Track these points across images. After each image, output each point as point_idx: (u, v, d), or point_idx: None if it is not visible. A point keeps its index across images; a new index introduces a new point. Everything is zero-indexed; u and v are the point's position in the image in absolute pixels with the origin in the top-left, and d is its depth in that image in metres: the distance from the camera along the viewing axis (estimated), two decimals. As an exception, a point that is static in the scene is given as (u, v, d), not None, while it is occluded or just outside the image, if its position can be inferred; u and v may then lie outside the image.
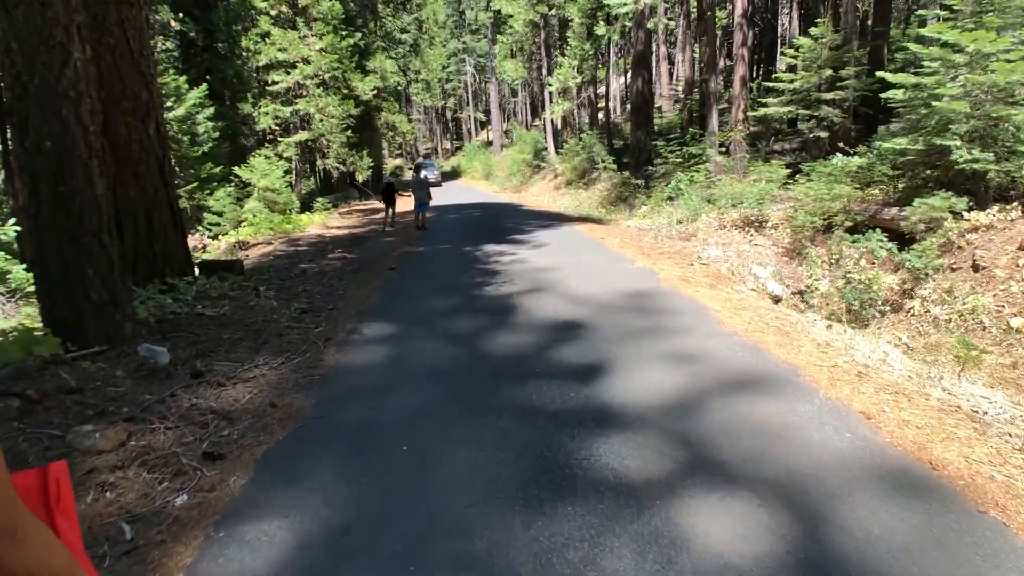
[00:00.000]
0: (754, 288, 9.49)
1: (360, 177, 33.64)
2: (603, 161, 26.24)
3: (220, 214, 18.17)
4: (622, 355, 5.80)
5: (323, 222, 23.33)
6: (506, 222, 18.91)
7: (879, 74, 10.81)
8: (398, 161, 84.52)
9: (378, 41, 43.42)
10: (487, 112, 72.43)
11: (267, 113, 24.07)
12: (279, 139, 24.72)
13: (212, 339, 6.70)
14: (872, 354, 5.70)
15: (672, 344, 6.08)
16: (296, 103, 24.43)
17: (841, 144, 13.43)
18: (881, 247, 9.12)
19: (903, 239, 9.25)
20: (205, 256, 16.94)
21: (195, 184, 19.47)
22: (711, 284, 8.96)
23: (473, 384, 5.36)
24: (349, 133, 30.85)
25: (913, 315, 8.09)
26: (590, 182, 27.55)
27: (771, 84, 13.78)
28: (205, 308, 8.17)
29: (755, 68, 31.91)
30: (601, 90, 44.31)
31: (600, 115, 40.89)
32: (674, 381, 5.11)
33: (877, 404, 4.47)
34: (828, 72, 12.86)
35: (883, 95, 10.45)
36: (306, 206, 27.47)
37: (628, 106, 47.90)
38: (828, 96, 12.91)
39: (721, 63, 28.93)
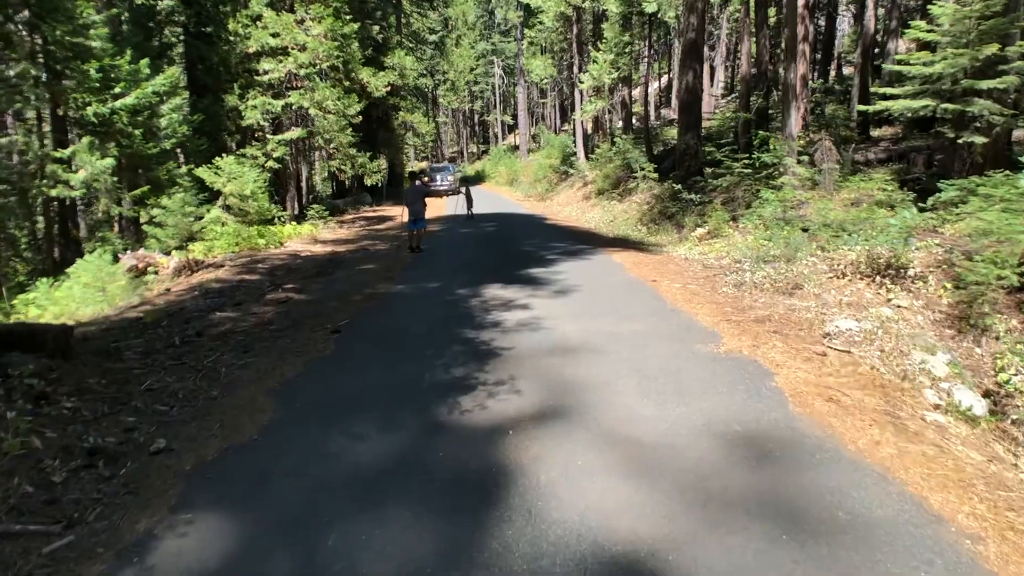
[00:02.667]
0: (937, 403, 5.49)
1: (369, 181, 29.91)
2: (642, 169, 22.24)
3: (161, 225, 14.42)
4: None
5: (311, 234, 19.59)
6: (524, 243, 15.01)
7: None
8: (423, 164, 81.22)
9: (396, 36, 39.77)
10: (515, 115, 68.75)
11: (255, 107, 20.36)
12: (268, 137, 20.98)
13: None
14: None
15: None
16: (288, 95, 20.69)
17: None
18: None
19: None
20: (146, 280, 13.24)
21: (146, 188, 15.78)
22: (881, 412, 4.97)
23: None
24: (353, 132, 27.25)
25: None
26: (625, 192, 23.56)
27: (898, 68, 9.84)
28: None
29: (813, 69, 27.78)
30: (636, 92, 40.42)
31: (634, 120, 36.92)
32: None
33: None
34: (994, 49, 8.81)
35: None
36: (301, 213, 23.78)
37: (675, 104, 43.95)
38: (985, 85, 8.91)
39: (768, 60, 24.78)
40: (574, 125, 37.63)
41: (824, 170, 14.10)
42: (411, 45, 46.93)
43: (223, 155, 18.02)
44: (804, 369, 5.82)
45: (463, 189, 23.67)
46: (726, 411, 4.89)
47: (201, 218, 15.23)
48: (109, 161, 14.42)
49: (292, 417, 5.04)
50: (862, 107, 15.31)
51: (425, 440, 4.56)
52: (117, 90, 15.00)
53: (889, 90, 10.93)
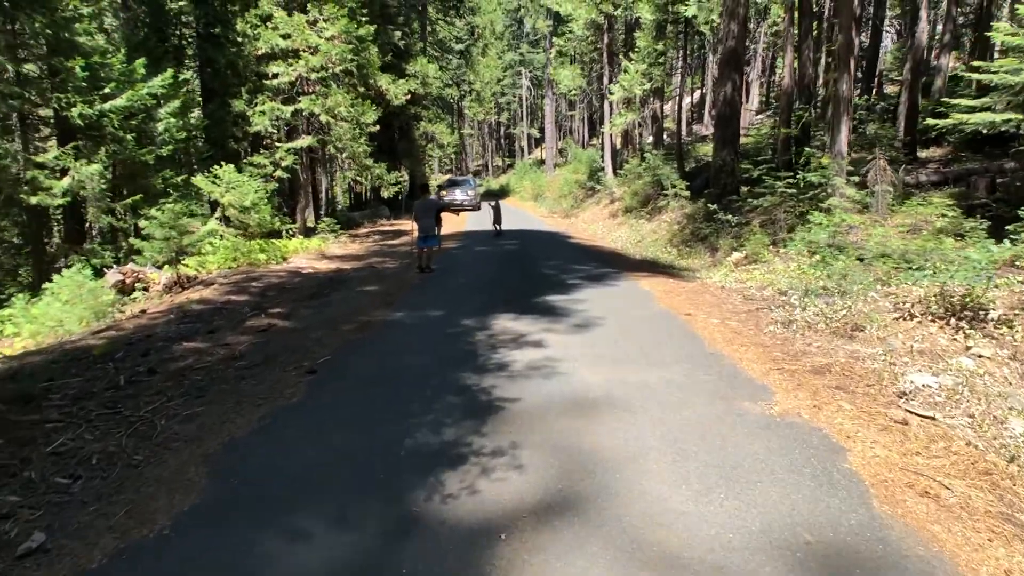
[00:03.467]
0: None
1: (386, 193, 28.91)
2: (673, 186, 21.00)
3: (147, 238, 13.40)
4: None
5: (319, 249, 18.56)
6: (544, 265, 13.83)
7: None
8: (447, 177, 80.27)
9: (420, 43, 38.88)
10: (541, 128, 67.80)
11: (263, 112, 19.42)
12: (277, 145, 20.02)
13: None
14: None
15: None
16: (299, 101, 19.73)
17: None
18: None
19: None
20: (134, 298, 12.24)
21: (139, 197, 14.81)
22: (996, 517, 3.72)
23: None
24: (370, 141, 26.27)
25: None
26: (654, 211, 22.34)
27: (980, 76, 8.54)
28: None
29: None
30: (667, 108, 39.21)
31: (665, 136, 35.67)
32: None
33: None
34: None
35: None
36: (312, 227, 22.79)
37: (707, 120, 42.70)
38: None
39: (811, 73, 23.43)
40: (602, 139, 36.46)
41: (877, 192, 12.80)
42: (436, 54, 46.10)
43: (225, 164, 17.01)
44: (883, 443, 4.57)
45: (493, 203, 22.41)
46: (790, 509, 3.66)
47: (196, 231, 14.19)
48: (96, 167, 13.44)
49: (222, 501, 3.86)
50: (923, 122, 13.95)
51: (388, 546, 3.36)
52: (107, 90, 14.03)
53: (964, 101, 9.60)
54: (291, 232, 20.67)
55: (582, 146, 51.42)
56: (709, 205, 16.32)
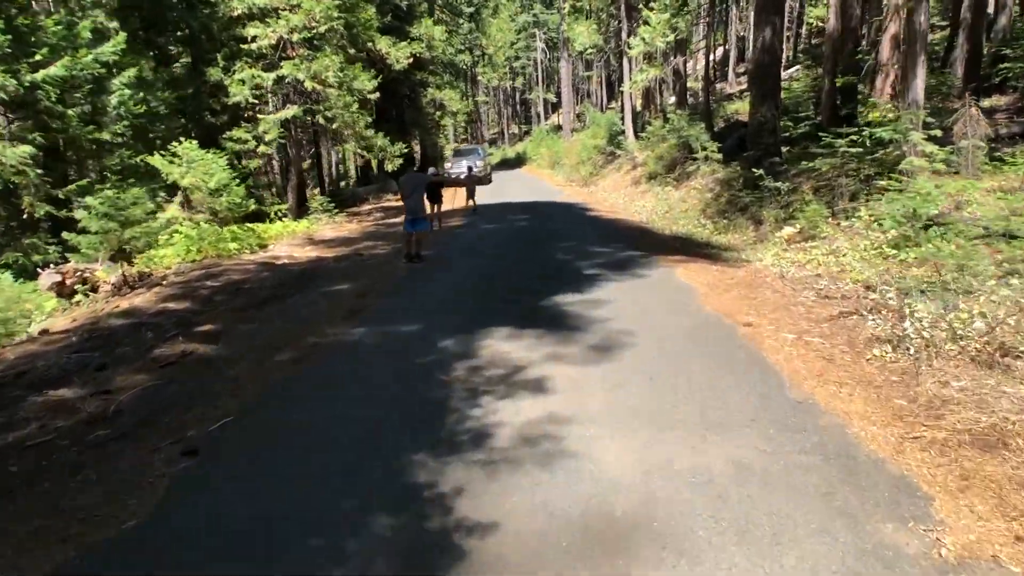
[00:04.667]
0: None
1: (390, 166, 26.70)
2: (703, 148, 18.56)
3: (85, 232, 11.31)
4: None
5: (306, 233, 16.44)
6: (557, 248, 11.63)
7: None
8: (463, 146, 77.64)
9: (424, 4, 36.21)
10: (558, 93, 64.96)
11: (242, 81, 17.20)
12: (260, 117, 17.79)
13: None
14: None
15: None
16: (281, 67, 17.47)
17: None
18: None
19: None
20: (77, 301, 10.20)
21: (84, 182, 12.73)
22: None
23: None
24: (369, 110, 24.06)
25: None
26: (682, 177, 19.92)
27: None
28: None
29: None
30: (690, 66, 36.44)
31: (689, 97, 32.94)
32: None
33: None
34: None
35: None
36: (303, 206, 20.65)
37: (731, 78, 39.96)
38: None
39: (859, 16, 20.71)
40: (622, 100, 33.80)
41: (965, 149, 10.36)
42: (445, 17, 43.36)
43: (187, 140, 14.72)
44: None
45: (473, 170, 20.04)
46: None
47: (145, 221, 12.00)
48: (26, 149, 11.32)
49: None
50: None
51: None
52: (38, 57, 11.87)
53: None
54: (280, 213, 18.58)
55: (600, 110, 48.67)
56: (752, 169, 13.94)
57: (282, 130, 17.85)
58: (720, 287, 7.85)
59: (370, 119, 25.02)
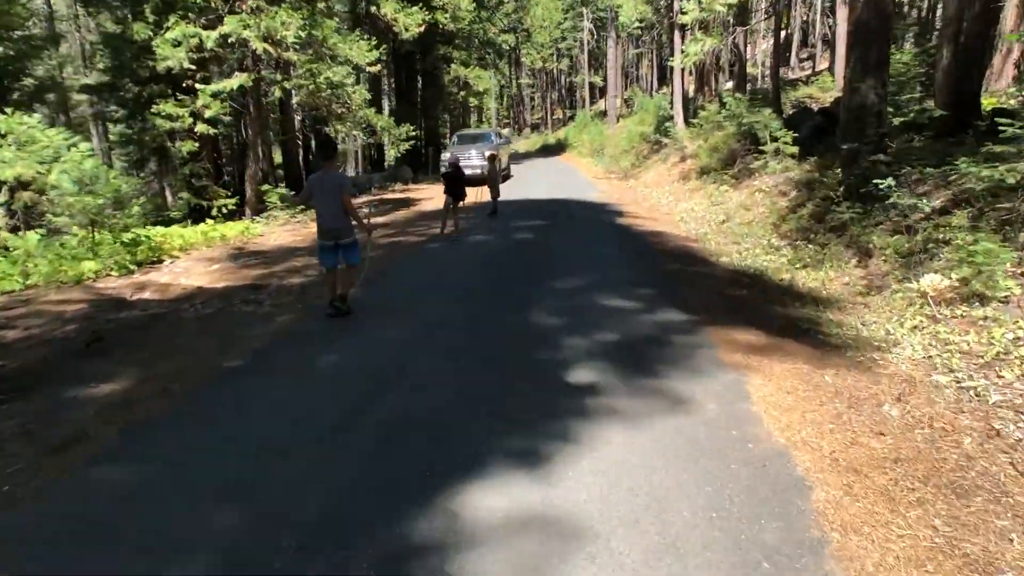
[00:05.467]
0: None
1: (392, 152, 22.80)
2: (774, 139, 14.20)
3: None
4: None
5: (241, 239, 12.60)
6: (554, 295, 7.51)
7: None
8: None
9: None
10: (605, 78, 60.38)
11: (176, 41, 13.31)
12: (198, 86, 13.88)
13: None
14: None
15: None
16: (224, 23, 13.53)
17: None
18: None
19: None
20: None
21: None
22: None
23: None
24: (364, 85, 20.22)
25: None
26: (743, 174, 15.59)
27: None
28: None
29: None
30: (750, 52, 31.74)
31: (748, 84, 28.37)
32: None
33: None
34: None
35: None
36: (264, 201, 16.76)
37: (821, 48, 35.27)
38: None
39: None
40: (671, 77, 29.27)
41: None
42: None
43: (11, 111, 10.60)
44: None
45: (494, 162, 15.82)
46: None
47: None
48: None
49: None
50: None
51: None
52: None
53: None
54: (227, 210, 14.74)
55: (650, 95, 44.11)
56: (845, 169, 9.62)
57: (223, 104, 13.89)
58: (864, 464, 3.64)
59: (369, 96, 21.12)
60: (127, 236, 9.73)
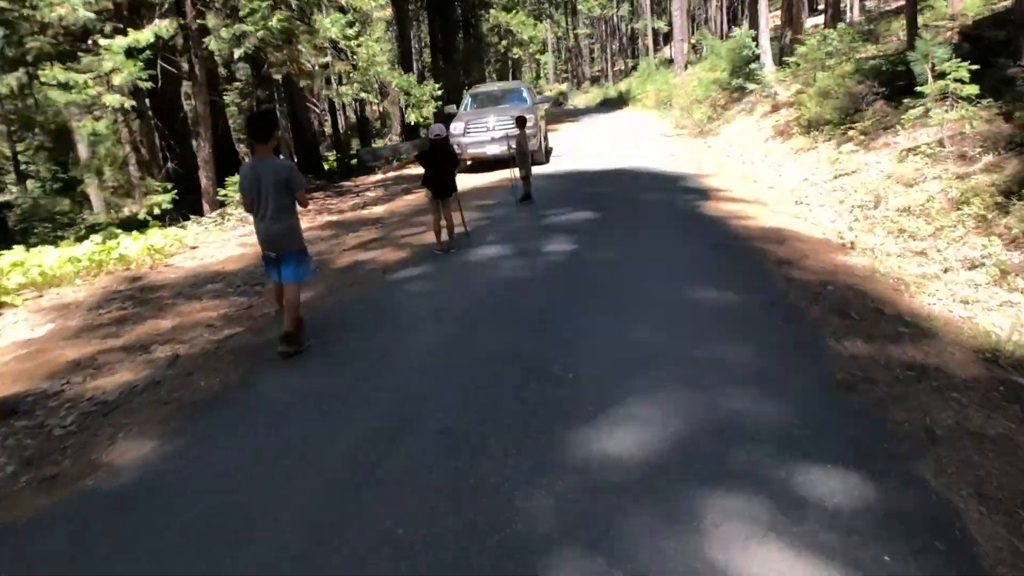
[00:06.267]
0: None
1: (412, 117, 18.68)
2: (942, 75, 9.41)
3: None
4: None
5: (145, 263, 8.71)
6: (608, 414, 3.33)
7: None
8: (562, 87, 68.39)
9: None
10: (670, 23, 54.69)
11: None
12: (102, 41, 9.86)
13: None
14: None
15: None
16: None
17: None
18: None
19: None
20: None
21: None
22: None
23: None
24: (364, 34, 16.21)
25: None
26: (877, 129, 10.91)
27: None
28: None
29: None
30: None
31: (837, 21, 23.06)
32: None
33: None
34: None
35: None
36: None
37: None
38: None
39: None
40: (755, 12, 24.12)
41: None
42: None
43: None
44: None
45: (523, 128, 11.22)
46: None
47: None
48: None
49: None
50: None
51: None
52: None
53: None
54: (161, 208, 10.90)
55: (720, 39, 38.72)
56: None
57: (138, 66, 9.80)
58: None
59: (378, 47, 17.04)
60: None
